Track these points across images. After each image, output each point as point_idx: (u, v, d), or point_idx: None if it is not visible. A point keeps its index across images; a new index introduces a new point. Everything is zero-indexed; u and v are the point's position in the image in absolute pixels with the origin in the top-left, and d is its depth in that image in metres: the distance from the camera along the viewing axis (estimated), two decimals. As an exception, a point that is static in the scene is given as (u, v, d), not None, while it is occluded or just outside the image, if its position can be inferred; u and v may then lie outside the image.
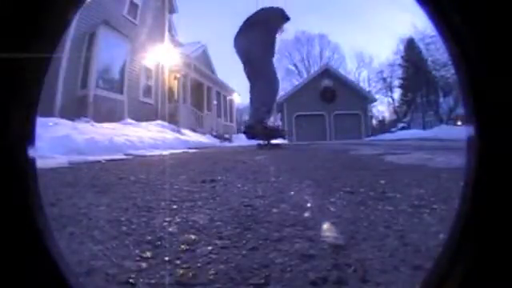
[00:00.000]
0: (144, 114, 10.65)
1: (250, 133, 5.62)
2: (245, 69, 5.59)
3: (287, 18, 5.80)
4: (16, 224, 0.28)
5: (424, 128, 18.83)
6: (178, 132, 9.73)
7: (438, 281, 0.29)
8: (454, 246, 0.29)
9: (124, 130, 7.17)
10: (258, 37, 5.18)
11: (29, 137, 0.31)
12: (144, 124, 8.92)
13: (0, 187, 0.28)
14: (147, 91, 12.37)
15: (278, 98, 6.07)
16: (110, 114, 9.01)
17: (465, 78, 0.28)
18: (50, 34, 0.32)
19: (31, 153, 0.30)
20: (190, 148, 6.93)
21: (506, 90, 0.26)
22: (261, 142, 5.57)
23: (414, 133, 14.57)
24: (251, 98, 5.60)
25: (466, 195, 0.28)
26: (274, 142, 5.79)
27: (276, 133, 6.05)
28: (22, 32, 0.29)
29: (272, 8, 5.71)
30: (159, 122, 10.17)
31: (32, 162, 0.30)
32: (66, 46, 7.76)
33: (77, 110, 8.26)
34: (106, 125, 7.20)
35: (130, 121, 8.80)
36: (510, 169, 0.25)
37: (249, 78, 5.55)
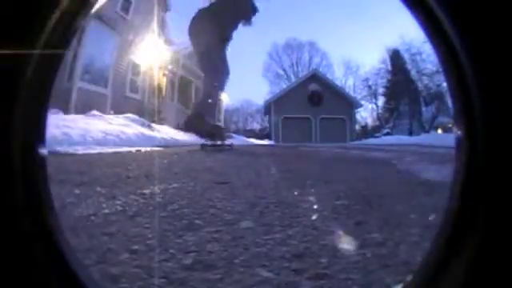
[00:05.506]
0: (128, 110, 10.38)
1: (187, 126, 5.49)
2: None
3: (255, 9, 5.42)
4: (27, 222, 0.28)
5: (410, 134, 19.24)
6: (148, 127, 7.93)
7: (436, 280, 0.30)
8: (443, 245, 0.30)
9: (78, 121, 5.56)
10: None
11: (39, 136, 0.31)
12: (110, 117, 7.53)
13: (8, 186, 0.28)
14: (134, 87, 12.14)
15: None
16: (86, 107, 8.47)
17: (453, 79, 0.30)
18: (51, 34, 0.31)
19: (42, 152, 0.30)
20: (153, 146, 5.29)
21: (494, 92, 0.27)
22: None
23: (400, 138, 14.68)
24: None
25: (454, 194, 0.30)
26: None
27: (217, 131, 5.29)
28: (22, 32, 0.29)
29: None
30: (129, 115, 8.28)
31: (42, 160, 0.30)
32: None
33: (58, 103, 7.91)
34: (68, 117, 6.11)
35: (95, 113, 7.37)
36: (498, 167, 0.27)
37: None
